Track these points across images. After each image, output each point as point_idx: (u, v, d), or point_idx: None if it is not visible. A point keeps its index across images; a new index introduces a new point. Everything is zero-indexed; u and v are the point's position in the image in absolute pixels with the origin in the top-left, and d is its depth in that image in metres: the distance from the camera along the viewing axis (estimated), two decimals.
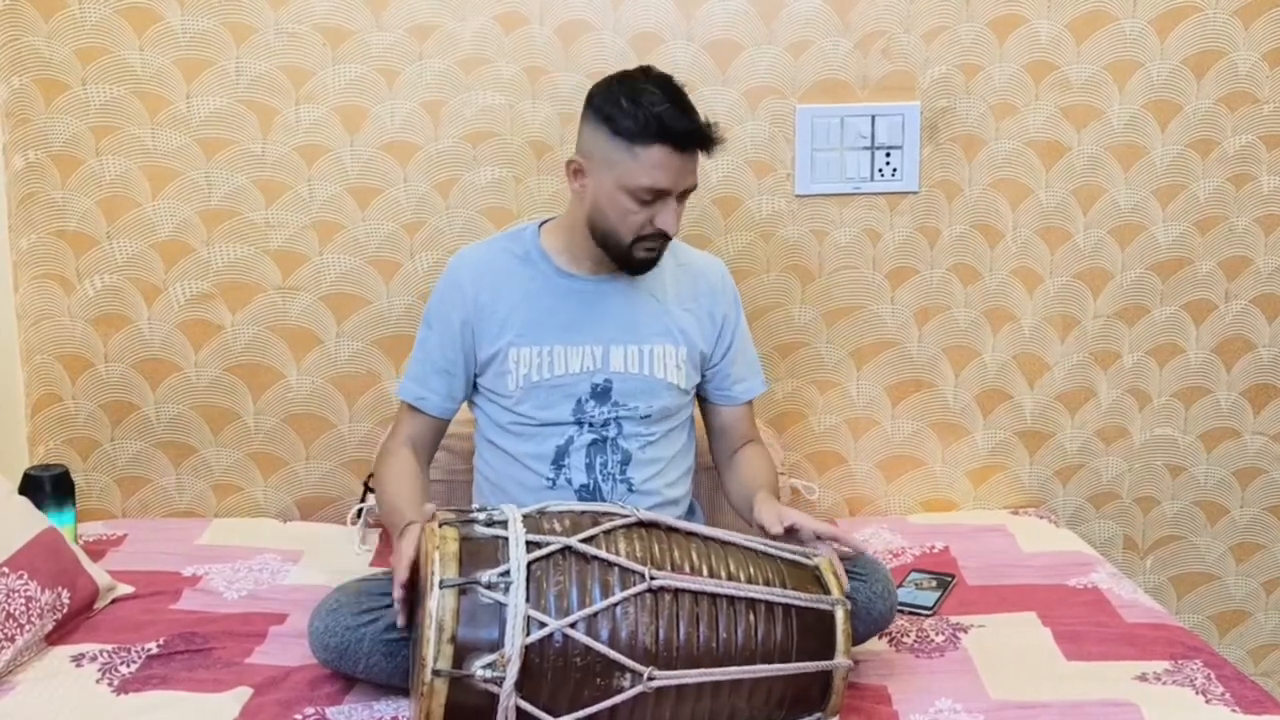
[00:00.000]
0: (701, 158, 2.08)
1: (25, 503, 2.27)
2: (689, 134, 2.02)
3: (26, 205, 2.61)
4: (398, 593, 1.86)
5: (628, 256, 2.10)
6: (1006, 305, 2.75)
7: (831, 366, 2.76)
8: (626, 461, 2.17)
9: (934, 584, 2.36)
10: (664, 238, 2.09)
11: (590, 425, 2.16)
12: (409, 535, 1.89)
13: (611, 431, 2.17)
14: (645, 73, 2.08)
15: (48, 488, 2.40)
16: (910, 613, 2.26)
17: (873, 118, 2.66)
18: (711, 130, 2.05)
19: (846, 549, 1.99)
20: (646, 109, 2.00)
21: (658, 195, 2.03)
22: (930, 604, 2.28)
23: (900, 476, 2.82)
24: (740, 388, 2.29)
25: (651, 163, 2.01)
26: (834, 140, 2.67)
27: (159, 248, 2.64)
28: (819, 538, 1.95)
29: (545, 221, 2.25)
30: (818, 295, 2.73)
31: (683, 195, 2.07)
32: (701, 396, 2.31)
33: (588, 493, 2.16)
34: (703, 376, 2.27)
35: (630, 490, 2.17)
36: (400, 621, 1.87)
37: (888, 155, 2.67)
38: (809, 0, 2.62)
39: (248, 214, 2.63)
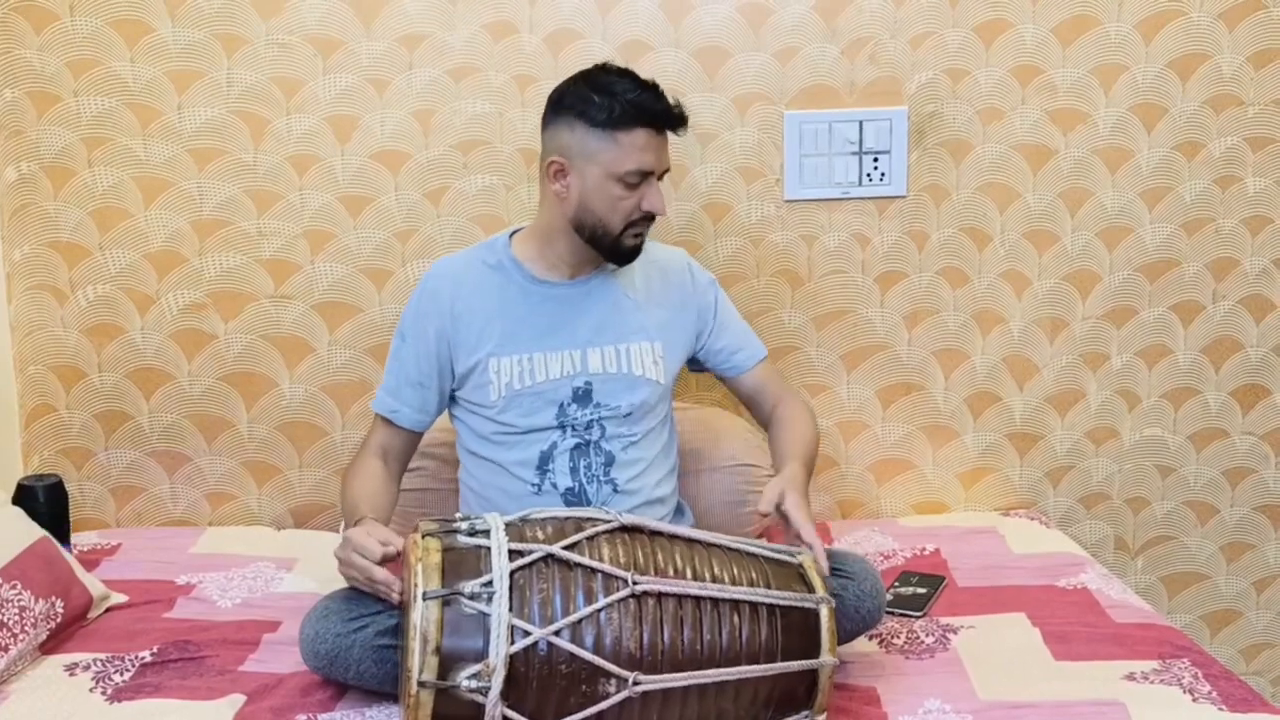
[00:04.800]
0: (674, 140, 2.18)
1: (19, 513, 2.28)
2: (666, 114, 2.11)
3: (19, 217, 2.63)
4: (376, 573, 1.88)
5: (617, 246, 2.15)
6: (995, 308, 2.76)
7: (822, 370, 2.78)
8: (610, 463, 2.19)
9: (924, 586, 2.37)
10: (650, 220, 2.15)
11: (573, 429, 2.18)
12: (360, 525, 1.94)
13: (594, 434, 2.19)
14: (604, 67, 2.17)
15: (42, 498, 2.42)
16: (900, 614, 2.27)
17: (860, 123, 2.68)
18: (682, 110, 2.15)
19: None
20: (622, 97, 2.08)
21: (643, 177, 2.10)
22: (920, 606, 2.29)
23: (891, 479, 2.83)
24: (741, 355, 2.33)
25: (635, 145, 2.08)
26: (822, 145, 2.68)
27: (151, 258, 2.65)
28: (798, 538, 1.96)
29: (516, 231, 2.27)
30: (807, 300, 2.74)
31: (660, 176, 2.15)
32: (716, 375, 2.37)
33: (573, 495, 2.17)
34: (699, 360, 2.33)
35: (615, 491, 2.19)
36: (395, 598, 1.90)
37: (875, 160, 2.69)
38: (796, 7, 2.63)
39: (240, 223, 2.65)
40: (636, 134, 2.08)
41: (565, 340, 2.19)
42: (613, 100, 2.08)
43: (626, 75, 2.14)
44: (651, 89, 2.12)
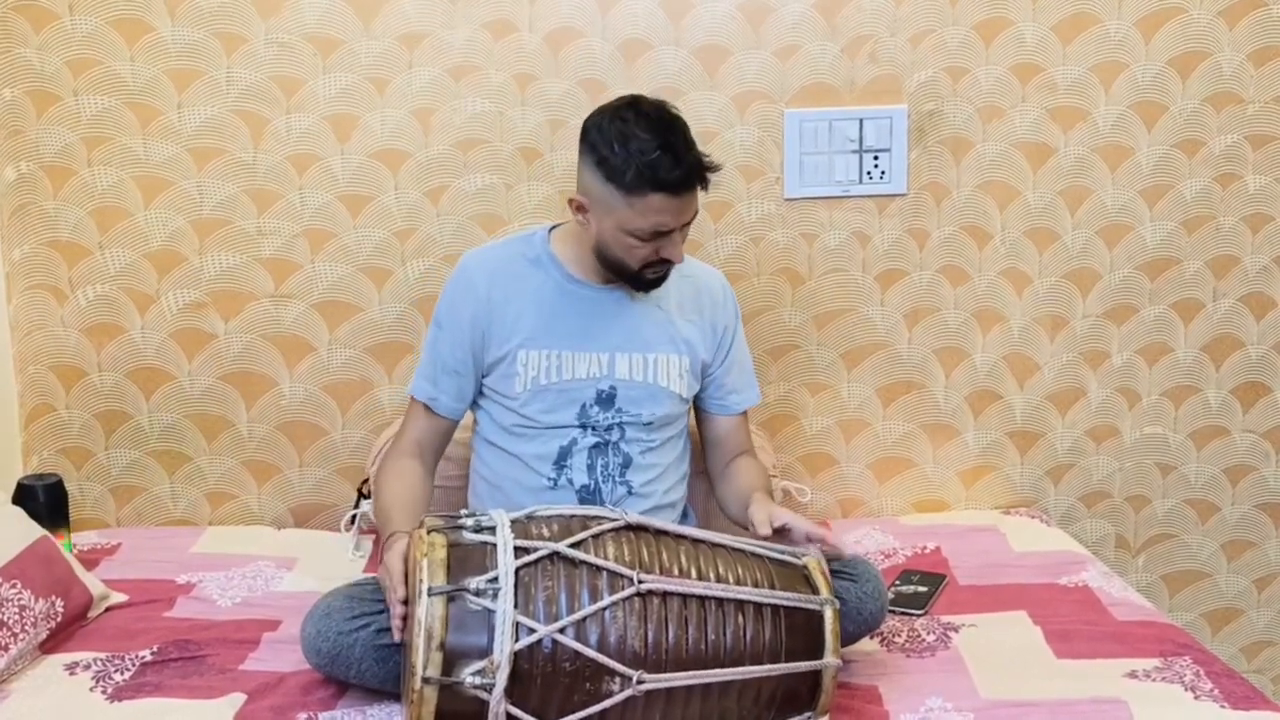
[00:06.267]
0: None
1: (19, 512, 2.28)
2: (683, 182, 2.02)
3: (19, 216, 2.63)
4: (396, 609, 1.83)
5: (636, 280, 2.15)
6: (996, 306, 2.76)
7: (822, 369, 2.77)
8: (627, 465, 2.19)
9: (925, 584, 2.37)
10: (670, 263, 2.12)
11: (594, 429, 2.18)
12: (394, 548, 1.89)
13: (614, 436, 2.19)
14: (636, 108, 2.05)
15: (41, 497, 2.42)
16: (902, 613, 2.27)
17: (860, 121, 2.68)
18: (706, 167, 2.04)
19: (833, 551, 2.00)
20: (638, 158, 1.98)
21: (659, 234, 2.06)
22: (922, 604, 2.29)
23: (892, 478, 2.83)
24: (736, 398, 2.31)
25: (649, 209, 2.02)
26: (822, 144, 2.68)
27: (151, 257, 2.65)
28: (809, 539, 1.96)
29: (555, 226, 2.26)
30: (808, 298, 2.74)
31: (684, 226, 2.10)
32: (697, 407, 2.33)
33: (588, 493, 2.18)
34: (700, 385, 2.29)
35: (629, 493, 2.19)
36: (397, 636, 1.86)
37: (876, 158, 2.69)
38: (796, 5, 2.63)
39: (239, 223, 2.64)
40: (651, 199, 2.01)
41: (595, 343, 2.18)
42: (628, 160, 1.98)
43: (653, 125, 2.01)
44: (671, 146, 1.99)
